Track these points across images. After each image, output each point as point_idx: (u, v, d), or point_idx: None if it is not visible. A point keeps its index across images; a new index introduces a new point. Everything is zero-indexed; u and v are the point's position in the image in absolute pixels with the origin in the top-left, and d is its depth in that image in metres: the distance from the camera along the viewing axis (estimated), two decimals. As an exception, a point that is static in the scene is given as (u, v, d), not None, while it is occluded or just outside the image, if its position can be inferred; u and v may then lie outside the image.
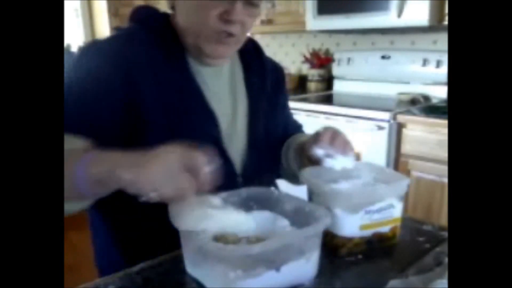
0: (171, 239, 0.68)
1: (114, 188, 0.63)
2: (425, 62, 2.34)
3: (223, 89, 0.91)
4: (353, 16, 2.25)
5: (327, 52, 2.89)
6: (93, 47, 0.83)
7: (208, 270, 0.63)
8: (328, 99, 2.57)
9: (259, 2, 0.82)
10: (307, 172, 0.79)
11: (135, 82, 0.78)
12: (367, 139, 1.98)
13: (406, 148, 1.95)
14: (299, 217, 0.69)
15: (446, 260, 0.68)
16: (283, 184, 1.03)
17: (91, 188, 0.63)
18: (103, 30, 3.38)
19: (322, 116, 2.21)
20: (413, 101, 2.22)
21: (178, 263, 0.69)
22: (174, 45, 0.85)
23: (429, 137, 1.87)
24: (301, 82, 2.96)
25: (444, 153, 1.82)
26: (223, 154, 0.85)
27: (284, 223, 0.69)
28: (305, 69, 2.94)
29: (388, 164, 1.99)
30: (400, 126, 1.96)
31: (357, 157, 0.84)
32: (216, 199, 0.66)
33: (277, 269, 0.60)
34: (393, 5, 2.07)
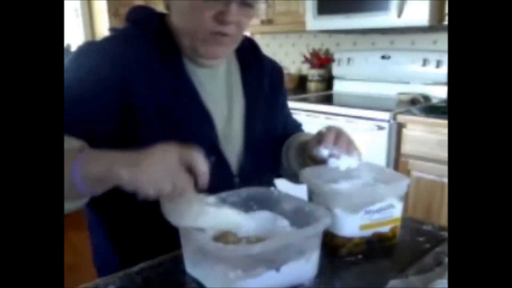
0: (167, 238, 0.68)
1: (112, 186, 0.63)
2: (425, 62, 2.34)
3: (219, 89, 0.91)
4: (353, 16, 2.25)
5: (327, 52, 2.89)
6: (88, 47, 0.82)
7: (208, 270, 0.63)
8: (328, 99, 2.57)
9: (254, 2, 0.82)
10: (307, 172, 0.79)
11: (130, 83, 0.78)
12: (367, 139, 1.97)
13: (406, 148, 1.95)
14: (299, 217, 0.69)
15: (446, 260, 0.68)
16: (283, 184, 1.03)
17: (89, 186, 0.64)
18: (103, 30, 3.38)
19: (322, 116, 2.22)
20: (413, 101, 2.22)
21: (178, 263, 0.69)
22: (169, 46, 0.85)
23: (429, 137, 1.87)
24: (301, 82, 2.96)
25: (444, 153, 1.82)
26: (219, 154, 0.85)
27: (284, 223, 0.69)
28: (305, 69, 2.94)
29: (388, 164, 1.99)
30: (400, 126, 1.96)
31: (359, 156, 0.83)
32: (211, 198, 0.67)
33: (277, 269, 0.60)
34: (393, 5, 2.07)
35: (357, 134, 0.95)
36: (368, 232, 0.74)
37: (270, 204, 0.74)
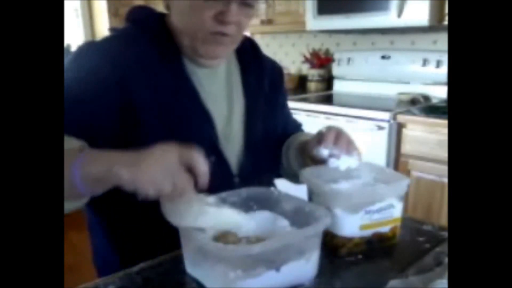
0: (167, 238, 0.68)
1: (112, 186, 0.63)
2: (425, 62, 2.34)
3: (219, 89, 0.91)
4: (353, 16, 2.25)
5: (327, 52, 2.89)
6: (88, 47, 0.82)
7: (208, 270, 0.63)
8: (328, 99, 2.57)
9: (254, 2, 0.82)
10: (307, 172, 0.79)
11: (130, 83, 0.78)
12: (367, 139, 1.98)
13: (406, 148, 1.95)
14: (299, 217, 0.69)
15: (446, 260, 0.68)
16: (283, 184, 1.03)
17: (89, 186, 0.64)
18: (103, 30, 3.38)
19: (322, 116, 2.22)
20: (413, 101, 2.22)
21: (178, 263, 0.69)
22: (169, 46, 0.85)
23: (429, 137, 1.87)
24: (301, 82, 2.96)
25: (444, 153, 1.82)
26: (219, 154, 0.85)
27: (284, 223, 0.69)
28: (305, 69, 2.94)
29: (388, 164, 1.99)
30: (400, 126, 1.96)
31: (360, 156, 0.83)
32: (211, 198, 0.67)
33: (277, 269, 0.60)
34: (393, 5, 2.07)
35: (357, 134, 0.95)
36: (368, 232, 0.74)
37: (270, 204, 0.73)
